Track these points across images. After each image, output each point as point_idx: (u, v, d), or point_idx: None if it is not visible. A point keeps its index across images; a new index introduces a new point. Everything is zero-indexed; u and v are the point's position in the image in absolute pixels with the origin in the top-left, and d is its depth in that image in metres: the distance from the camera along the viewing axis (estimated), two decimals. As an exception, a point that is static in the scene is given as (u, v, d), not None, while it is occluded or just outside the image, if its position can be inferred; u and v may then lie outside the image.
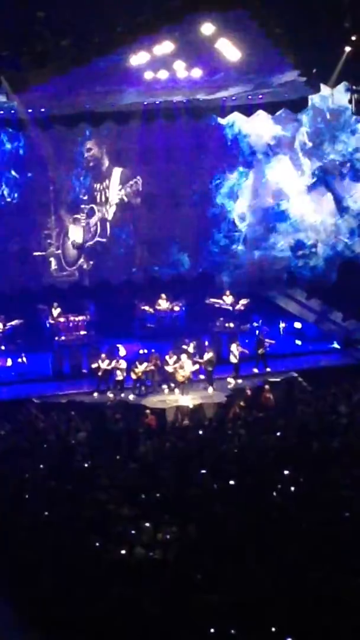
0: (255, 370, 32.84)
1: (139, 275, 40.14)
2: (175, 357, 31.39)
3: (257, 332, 34.17)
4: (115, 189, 39.26)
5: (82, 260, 39.34)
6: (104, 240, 39.62)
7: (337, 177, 39.19)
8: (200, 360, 31.59)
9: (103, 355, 31.78)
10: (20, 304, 36.32)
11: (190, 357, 31.49)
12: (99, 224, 39.37)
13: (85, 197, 39.02)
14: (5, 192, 37.92)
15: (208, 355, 31.72)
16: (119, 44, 26.11)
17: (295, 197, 39.89)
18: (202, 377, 32.02)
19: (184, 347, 32.22)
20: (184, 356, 31.30)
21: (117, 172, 39.24)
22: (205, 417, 28.87)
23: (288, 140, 39.62)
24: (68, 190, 38.85)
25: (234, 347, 32.31)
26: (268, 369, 32.84)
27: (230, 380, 32.07)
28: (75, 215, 38.96)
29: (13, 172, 37.92)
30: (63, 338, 34.85)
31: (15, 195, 37.98)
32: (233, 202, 40.45)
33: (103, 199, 39.37)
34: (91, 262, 39.37)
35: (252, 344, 33.55)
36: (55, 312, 35.45)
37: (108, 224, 39.58)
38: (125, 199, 39.52)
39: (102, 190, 39.38)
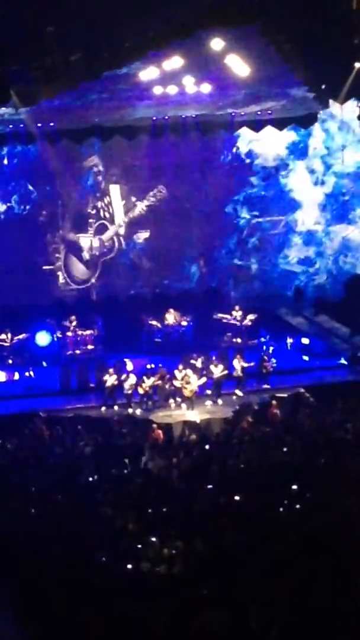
0: (267, 386, 32.85)
1: (147, 290, 40.19)
2: (182, 372, 31.41)
3: (262, 354, 34.09)
4: (119, 204, 39.23)
5: (90, 274, 39.33)
6: (113, 255, 39.63)
7: (350, 188, 39.15)
8: (214, 375, 31.64)
9: (111, 370, 31.79)
10: (28, 318, 36.33)
11: (197, 372, 31.53)
12: (115, 239, 39.40)
13: (94, 212, 39.04)
14: (15, 205, 37.99)
15: (219, 369, 31.77)
16: (128, 58, 26.21)
17: (308, 209, 39.84)
18: (208, 392, 32.05)
19: (192, 361, 32.25)
20: (190, 371, 31.33)
21: (114, 188, 39.16)
22: (212, 432, 28.80)
23: (302, 148, 39.56)
24: (76, 204, 38.89)
25: (235, 362, 32.35)
26: (267, 385, 32.87)
27: (237, 394, 32.07)
28: (83, 230, 38.96)
29: (22, 185, 37.99)
30: (70, 352, 34.92)
31: (26, 207, 38.10)
32: (244, 216, 40.43)
33: (111, 214, 39.36)
34: (99, 277, 39.38)
35: (256, 360, 33.62)
36: (72, 325, 35.58)
37: (116, 239, 39.58)
38: (146, 209, 39.46)
39: (109, 205, 39.38)
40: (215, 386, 31.90)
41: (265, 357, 33.46)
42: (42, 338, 35.82)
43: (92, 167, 38.78)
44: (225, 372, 31.97)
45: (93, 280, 39.42)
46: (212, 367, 32.03)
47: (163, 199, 39.58)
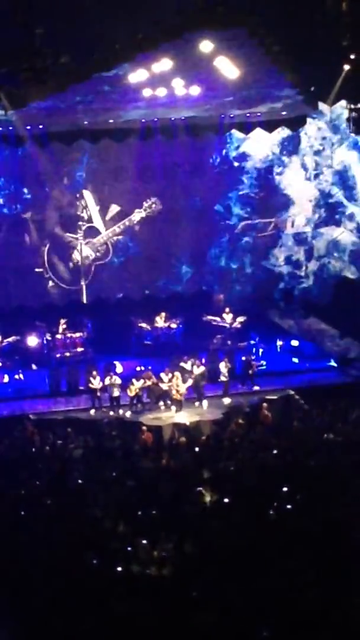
0: (257, 387, 32.82)
1: (137, 292, 40.13)
2: (171, 375, 31.40)
3: (243, 357, 34.09)
4: (95, 209, 39.15)
5: (81, 277, 39.26)
6: (107, 260, 39.58)
7: (339, 189, 39.12)
8: (192, 375, 31.60)
9: (94, 373, 31.72)
10: (17, 320, 36.27)
11: (185, 374, 31.50)
12: (109, 244, 39.39)
13: (83, 214, 38.97)
14: (4, 207, 37.93)
15: (199, 370, 31.76)
16: (117, 60, 26.22)
17: (298, 210, 39.80)
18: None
19: (182, 364, 32.22)
20: (178, 373, 31.30)
21: (87, 195, 39.09)
22: (202, 435, 28.79)
23: (292, 147, 39.47)
24: (65, 207, 38.82)
25: (222, 366, 32.36)
26: (257, 387, 32.88)
27: (226, 398, 32.07)
28: (73, 233, 38.91)
29: (11, 187, 37.94)
30: (60, 355, 34.88)
31: (15, 209, 38.01)
32: (234, 217, 40.38)
33: (89, 217, 39.30)
34: (89, 280, 39.32)
35: (241, 363, 33.69)
36: (61, 327, 35.53)
37: (110, 245, 39.55)
38: (135, 219, 39.50)
39: (85, 209, 39.32)
40: (195, 387, 31.82)
41: (250, 360, 33.41)
42: (32, 340, 35.68)
43: (83, 169, 38.69)
44: (203, 371, 31.94)
45: (82, 283, 39.28)
46: (194, 367, 31.99)
47: (159, 211, 39.55)
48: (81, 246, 38.99)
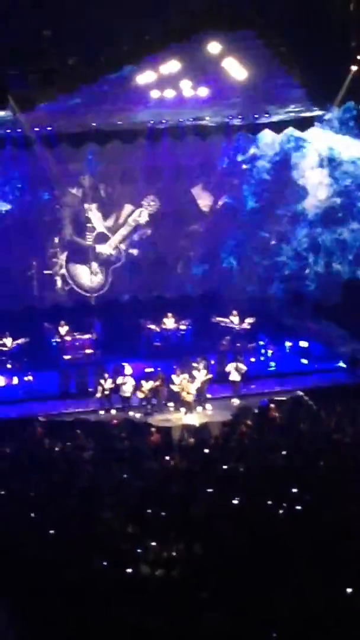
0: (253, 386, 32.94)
1: (145, 294, 40.09)
2: (180, 376, 31.43)
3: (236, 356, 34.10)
4: (97, 217, 39.17)
5: (101, 282, 39.26)
6: (117, 261, 39.58)
7: (350, 187, 38.98)
8: (200, 380, 31.63)
9: (106, 375, 31.79)
10: (26, 322, 36.30)
11: (193, 376, 31.56)
12: (121, 247, 39.41)
13: (90, 217, 38.95)
14: (14, 209, 37.93)
15: (203, 373, 31.81)
16: (125, 62, 26.20)
17: (306, 209, 39.63)
18: (208, 395, 32.07)
19: (194, 364, 32.25)
20: (186, 375, 31.35)
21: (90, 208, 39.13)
22: (211, 436, 28.80)
23: (301, 145, 39.27)
24: (74, 209, 38.80)
25: (231, 367, 32.41)
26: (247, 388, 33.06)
27: (235, 399, 32.10)
28: (82, 236, 38.89)
29: (19, 190, 37.93)
30: (69, 356, 34.90)
31: (22, 212, 37.99)
32: (243, 219, 40.30)
33: (112, 219, 39.32)
34: (97, 281, 39.30)
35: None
36: (63, 330, 35.55)
37: (121, 247, 39.54)
38: (141, 221, 39.51)
39: (109, 210, 39.37)
40: (199, 391, 31.85)
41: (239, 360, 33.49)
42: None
43: (88, 172, 38.69)
44: (209, 376, 32.01)
45: (91, 285, 39.26)
46: (195, 372, 32.03)
47: (157, 207, 39.54)
48: (94, 251, 39.03)
